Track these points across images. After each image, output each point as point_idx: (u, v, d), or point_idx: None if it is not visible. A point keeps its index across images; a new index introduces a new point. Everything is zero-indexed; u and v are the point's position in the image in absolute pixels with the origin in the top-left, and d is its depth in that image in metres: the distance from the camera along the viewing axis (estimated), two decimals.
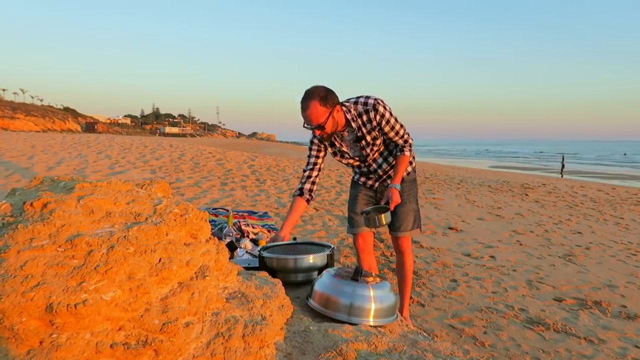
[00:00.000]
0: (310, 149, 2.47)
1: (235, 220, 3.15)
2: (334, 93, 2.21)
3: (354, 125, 2.30)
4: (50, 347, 1.06)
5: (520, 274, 4.08)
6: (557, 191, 11.10)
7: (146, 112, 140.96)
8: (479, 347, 2.65)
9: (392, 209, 2.38)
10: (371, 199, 2.61)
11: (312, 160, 2.46)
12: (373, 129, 2.32)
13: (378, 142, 2.39)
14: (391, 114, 2.31)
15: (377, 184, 2.59)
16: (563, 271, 4.25)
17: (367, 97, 2.30)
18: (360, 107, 2.29)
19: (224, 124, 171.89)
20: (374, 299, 1.71)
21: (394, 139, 2.39)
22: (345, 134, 2.40)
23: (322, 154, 2.46)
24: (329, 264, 2.12)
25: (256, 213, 4.04)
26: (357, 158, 2.48)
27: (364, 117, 2.29)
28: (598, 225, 6.88)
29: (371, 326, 1.65)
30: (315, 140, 2.43)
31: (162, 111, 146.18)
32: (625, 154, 53.09)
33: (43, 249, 1.21)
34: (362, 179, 2.63)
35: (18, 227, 1.26)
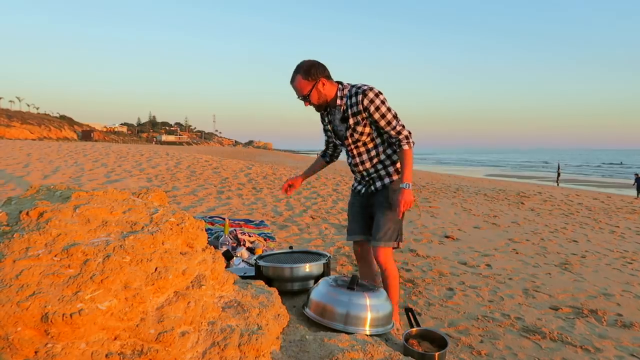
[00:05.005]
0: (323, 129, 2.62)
1: (232, 229, 3.14)
2: (319, 66, 2.25)
3: (339, 102, 2.32)
4: (45, 357, 1.06)
5: (516, 283, 4.08)
6: (552, 199, 11.14)
7: (143, 120, 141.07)
8: (475, 356, 2.64)
9: (401, 213, 2.25)
10: (363, 208, 2.48)
11: (325, 138, 2.63)
12: (358, 112, 2.28)
13: (359, 129, 2.32)
14: (383, 103, 2.26)
15: (363, 189, 2.49)
16: (559, 280, 4.25)
17: (365, 85, 2.29)
18: (353, 89, 2.30)
19: (220, 132, 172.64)
20: (370, 308, 1.71)
21: (386, 129, 2.30)
22: (335, 110, 2.40)
23: (330, 133, 2.55)
24: (325, 272, 2.12)
25: (253, 221, 4.04)
26: (339, 141, 2.48)
27: (352, 99, 2.29)
28: (594, 233, 6.90)
29: (367, 335, 1.65)
30: (321, 120, 2.54)
31: (159, 119, 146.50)
32: (621, 163, 53.30)
33: (39, 258, 1.20)
34: (355, 185, 2.57)
35: (14, 236, 1.26)
